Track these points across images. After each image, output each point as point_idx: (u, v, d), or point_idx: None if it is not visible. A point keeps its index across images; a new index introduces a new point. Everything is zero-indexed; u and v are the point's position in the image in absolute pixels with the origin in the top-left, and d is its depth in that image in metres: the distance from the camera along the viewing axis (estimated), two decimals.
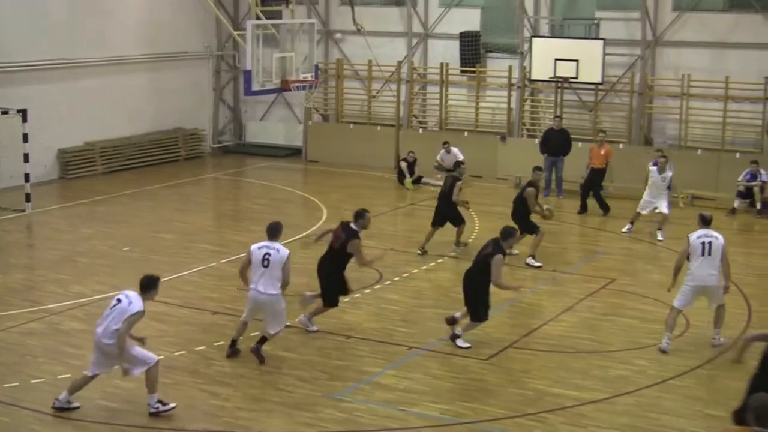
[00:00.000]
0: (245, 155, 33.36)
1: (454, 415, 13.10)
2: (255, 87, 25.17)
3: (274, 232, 14.72)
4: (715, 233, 15.57)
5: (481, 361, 14.99)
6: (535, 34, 29.41)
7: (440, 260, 20.48)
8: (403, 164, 28.65)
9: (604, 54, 27.86)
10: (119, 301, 12.70)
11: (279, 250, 14.44)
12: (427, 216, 21.55)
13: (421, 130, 31.74)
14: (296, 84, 26.68)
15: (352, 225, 15.78)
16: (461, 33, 30.64)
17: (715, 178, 26.45)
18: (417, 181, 28.45)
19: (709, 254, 15.35)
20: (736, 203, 25.33)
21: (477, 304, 15.39)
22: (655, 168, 22.28)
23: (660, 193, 22.26)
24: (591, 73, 27.86)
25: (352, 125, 32.30)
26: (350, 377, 14.31)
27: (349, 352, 15.34)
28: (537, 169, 21.29)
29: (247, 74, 24.74)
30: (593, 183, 25.23)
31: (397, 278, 18.49)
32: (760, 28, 27.35)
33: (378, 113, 32.38)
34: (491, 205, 23.75)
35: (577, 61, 27.77)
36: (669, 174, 22.30)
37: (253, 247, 14.62)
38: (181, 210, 25.38)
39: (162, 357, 14.18)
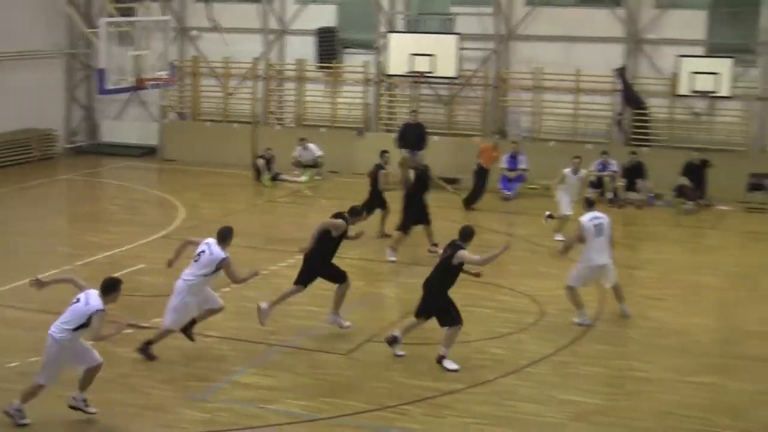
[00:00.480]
0: (100, 155, 32.71)
1: (315, 410, 13.15)
2: (109, 86, 24.76)
3: (221, 236, 14.69)
4: (601, 214, 16.69)
5: (340, 355, 15.08)
6: (392, 30, 29.66)
7: (299, 256, 20.45)
8: (261, 161, 28.54)
9: (459, 48, 28.29)
10: (77, 300, 12.54)
11: (213, 252, 14.46)
12: (283, 213, 21.48)
13: (278, 126, 31.69)
14: (151, 82, 26.36)
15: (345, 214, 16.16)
16: (318, 29, 30.71)
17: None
18: (275, 178, 28.39)
19: (602, 235, 16.31)
20: (588, 193, 25.92)
21: (444, 312, 14.84)
22: (569, 170, 22.60)
23: (576, 193, 22.51)
24: (446, 67, 28.26)
25: (208, 123, 32.05)
26: (211, 377, 14.22)
27: (209, 352, 15.23)
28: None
29: (101, 73, 24.33)
30: (480, 178, 25.62)
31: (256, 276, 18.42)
32: (608, 23, 28.21)
33: (235, 111, 32.20)
34: (345, 200, 23.77)
35: (432, 55, 28.09)
36: (583, 173, 22.73)
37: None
38: (34, 212, 24.74)
39: (17, 364, 13.95)
